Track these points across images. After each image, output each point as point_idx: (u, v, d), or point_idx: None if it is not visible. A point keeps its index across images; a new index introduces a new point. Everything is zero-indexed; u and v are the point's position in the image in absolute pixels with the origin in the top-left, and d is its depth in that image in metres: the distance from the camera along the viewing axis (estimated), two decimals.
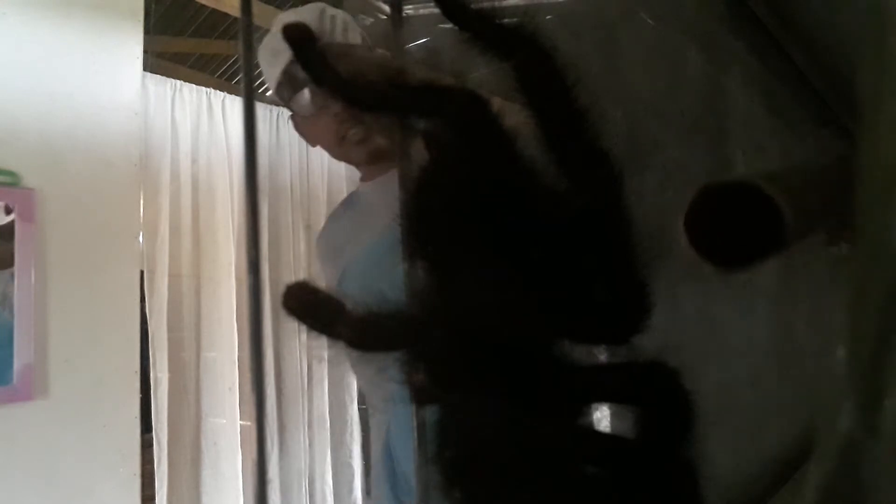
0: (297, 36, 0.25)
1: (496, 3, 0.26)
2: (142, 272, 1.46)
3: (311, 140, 0.87)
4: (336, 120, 0.77)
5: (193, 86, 1.82)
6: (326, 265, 0.88)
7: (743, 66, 0.76)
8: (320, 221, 1.54)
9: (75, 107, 1.24)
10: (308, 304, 0.22)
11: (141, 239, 1.43)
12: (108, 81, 1.29)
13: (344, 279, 0.80)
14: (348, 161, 0.86)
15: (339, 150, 0.82)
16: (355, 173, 0.89)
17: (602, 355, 0.26)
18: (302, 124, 0.86)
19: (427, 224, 0.27)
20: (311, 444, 2.02)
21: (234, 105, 1.87)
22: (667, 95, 0.66)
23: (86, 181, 1.24)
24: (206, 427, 1.78)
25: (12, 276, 1.13)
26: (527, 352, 0.24)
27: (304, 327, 0.22)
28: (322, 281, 0.93)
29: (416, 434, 0.27)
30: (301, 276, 2.02)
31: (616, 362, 0.26)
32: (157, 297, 1.67)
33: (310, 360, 2.00)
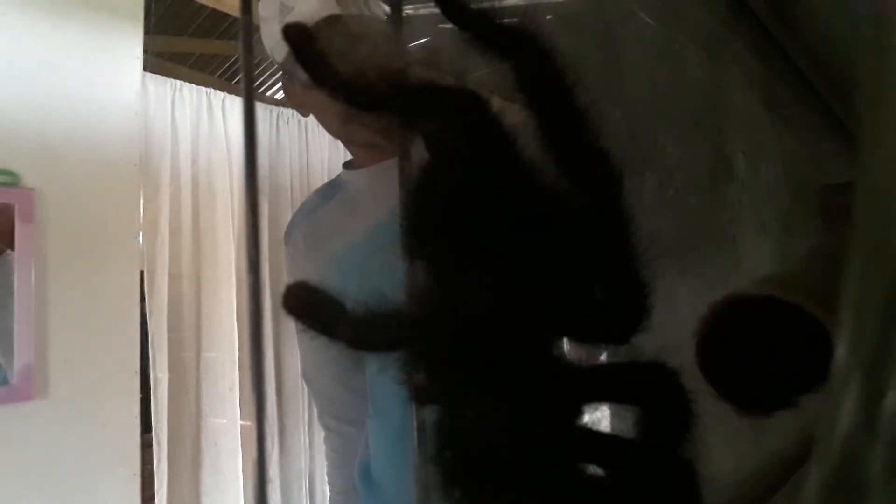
0: (297, 36, 0.25)
1: (496, 3, 0.26)
2: (142, 272, 1.46)
3: (306, 111, 0.79)
4: None
5: (193, 86, 1.82)
6: (299, 259, 0.81)
7: (743, 66, 0.76)
8: None
9: (75, 107, 1.24)
10: (308, 304, 0.22)
11: (141, 239, 1.43)
12: (108, 81, 1.29)
13: (329, 273, 0.73)
14: (349, 141, 0.79)
15: (342, 127, 0.74)
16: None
17: (602, 355, 0.26)
18: (301, 94, 0.77)
19: (427, 224, 0.27)
20: (311, 444, 2.02)
21: (234, 105, 1.87)
22: (667, 95, 0.66)
23: (86, 181, 1.24)
24: (207, 427, 1.78)
25: (12, 275, 1.13)
26: (527, 352, 0.24)
27: (304, 327, 0.22)
28: (291, 276, 0.86)
29: (416, 434, 0.27)
30: None
31: (616, 362, 0.26)
32: (157, 297, 1.67)
33: None
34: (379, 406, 0.71)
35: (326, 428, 0.82)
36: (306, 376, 0.83)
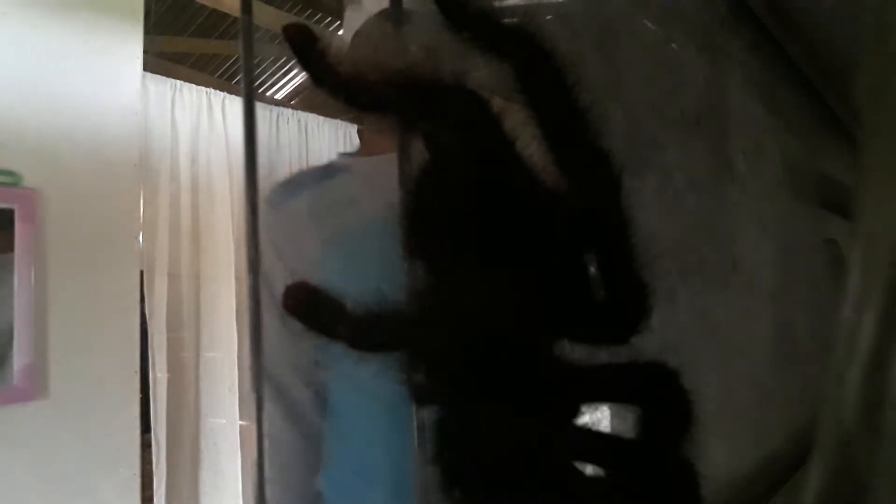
0: (297, 36, 0.25)
1: (496, 3, 0.26)
2: (142, 272, 1.46)
3: None
4: None
5: (193, 86, 1.82)
6: (286, 229, 0.75)
7: (743, 66, 0.76)
8: None
9: (75, 107, 1.24)
10: (308, 304, 0.22)
11: (141, 239, 1.43)
12: (108, 81, 1.29)
13: (321, 255, 0.70)
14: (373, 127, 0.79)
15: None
16: None
17: (602, 355, 0.26)
18: None
19: (426, 224, 0.27)
20: None
21: (234, 105, 1.87)
22: (667, 95, 0.66)
23: (86, 181, 1.24)
24: (206, 427, 1.78)
25: (12, 275, 1.13)
26: (527, 352, 0.24)
27: (304, 327, 0.22)
28: (269, 242, 0.83)
29: (415, 434, 0.27)
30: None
31: (616, 362, 0.26)
32: (157, 297, 1.67)
33: None
34: (341, 410, 0.69)
35: (274, 437, 0.74)
36: (267, 370, 0.78)
